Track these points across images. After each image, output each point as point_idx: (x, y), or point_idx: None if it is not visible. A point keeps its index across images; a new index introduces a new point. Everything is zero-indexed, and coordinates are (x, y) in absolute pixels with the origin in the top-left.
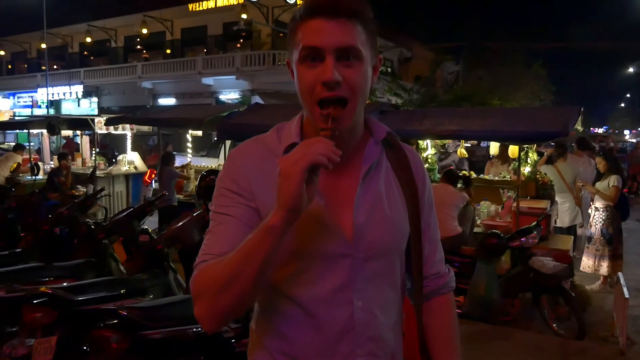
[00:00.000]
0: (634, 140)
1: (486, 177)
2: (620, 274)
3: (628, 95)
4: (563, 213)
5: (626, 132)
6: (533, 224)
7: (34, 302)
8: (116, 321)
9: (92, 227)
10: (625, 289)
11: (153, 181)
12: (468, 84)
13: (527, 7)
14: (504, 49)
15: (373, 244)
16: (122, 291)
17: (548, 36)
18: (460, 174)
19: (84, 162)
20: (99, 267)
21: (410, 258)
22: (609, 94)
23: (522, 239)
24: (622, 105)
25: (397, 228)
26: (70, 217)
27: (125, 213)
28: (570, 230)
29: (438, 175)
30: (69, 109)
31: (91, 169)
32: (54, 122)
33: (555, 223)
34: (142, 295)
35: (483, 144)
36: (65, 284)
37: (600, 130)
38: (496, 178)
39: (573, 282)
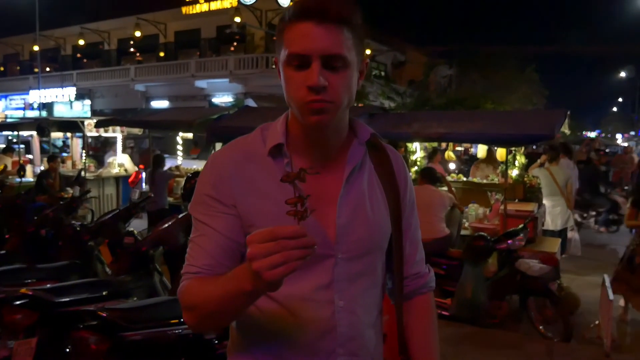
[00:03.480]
0: (625, 144)
1: (474, 179)
2: (605, 275)
3: (620, 99)
4: (555, 216)
5: (618, 136)
6: (520, 226)
7: (15, 303)
8: (96, 322)
9: (78, 229)
10: (610, 291)
11: (143, 183)
12: (461, 87)
13: (521, 12)
14: (497, 53)
15: (355, 244)
16: (104, 293)
17: (541, 40)
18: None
19: (74, 165)
20: (84, 269)
21: (391, 258)
22: (602, 97)
23: (509, 242)
24: (615, 109)
25: (379, 228)
26: (56, 219)
27: (110, 215)
28: (562, 233)
29: None
30: (61, 111)
31: (81, 171)
32: (43, 124)
33: (543, 225)
34: (126, 297)
35: (473, 148)
36: (48, 285)
37: (593, 134)
38: (484, 181)
39: (560, 284)
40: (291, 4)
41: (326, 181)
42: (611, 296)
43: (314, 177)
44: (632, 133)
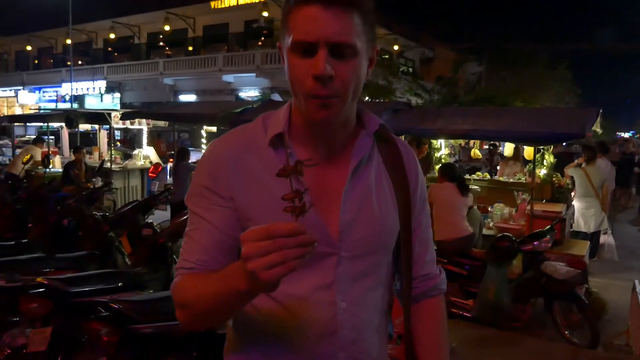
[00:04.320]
0: None
1: (500, 178)
2: (636, 281)
3: None
4: (588, 218)
5: None
6: (547, 227)
7: (31, 292)
8: (107, 314)
9: (98, 219)
10: None
11: (168, 175)
12: (491, 85)
13: (553, 7)
14: (528, 50)
15: (359, 243)
16: (119, 284)
17: (574, 37)
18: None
19: (100, 156)
20: (103, 260)
21: (399, 258)
22: (637, 97)
23: (535, 243)
24: None
25: (385, 226)
26: (77, 209)
27: (130, 207)
28: (594, 236)
29: None
30: (92, 104)
31: (107, 163)
32: (71, 116)
33: (572, 227)
34: (141, 289)
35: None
36: (66, 275)
37: (627, 135)
38: (511, 180)
39: (588, 288)
40: None
41: (330, 175)
42: None
43: (317, 171)
44: None
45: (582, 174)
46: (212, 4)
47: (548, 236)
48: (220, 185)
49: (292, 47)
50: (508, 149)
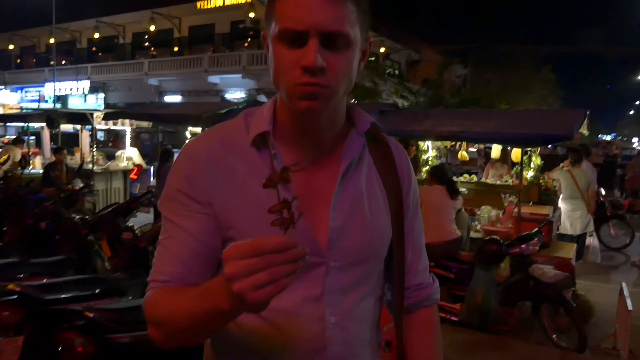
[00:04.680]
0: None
1: (487, 181)
2: (623, 284)
3: (637, 102)
4: (575, 220)
5: (634, 139)
6: (534, 230)
7: (2, 299)
8: (83, 323)
9: (77, 222)
10: (628, 301)
11: (151, 177)
12: (476, 87)
13: (537, 11)
14: (513, 53)
15: (350, 251)
16: (97, 291)
17: (558, 41)
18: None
19: (82, 157)
20: (81, 264)
21: (390, 266)
22: (618, 100)
23: (522, 246)
24: (631, 112)
25: (378, 233)
26: (55, 212)
27: (110, 209)
28: (580, 238)
29: None
30: (75, 104)
31: (89, 164)
32: (53, 116)
33: (558, 230)
34: (120, 295)
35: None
36: (42, 281)
37: (609, 137)
38: (498, 182)
39: (575, 291)
40: None
41: (318, 177)
42: (630, 306)
43: (304, 173)
44: None
45: (568, 176)
46: (198, 4)
47: (535, 239)
48: (197, 188)
49: (278, 36)
50: (495, 150)
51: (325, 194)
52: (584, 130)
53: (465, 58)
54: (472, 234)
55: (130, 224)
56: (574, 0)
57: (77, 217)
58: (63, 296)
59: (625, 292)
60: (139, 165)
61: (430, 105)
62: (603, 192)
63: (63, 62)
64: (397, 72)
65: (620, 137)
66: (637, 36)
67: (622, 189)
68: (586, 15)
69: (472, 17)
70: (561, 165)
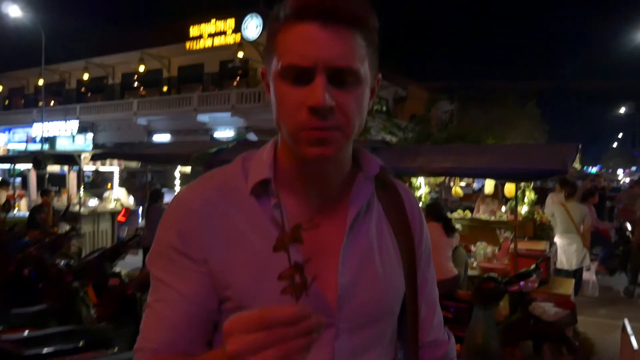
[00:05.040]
0: (627, 180)
1: (482, 217)
2: (626, 320)
3: (620, 135)
4: (570, 255)
5: (619, 171)
6: (532, 266)
7: None
8: None
9: (61, 269)
10: (633, 339)
11: (139, 219)
12: (463, 123)
13: (522, 47)
14: (498, 88)
15: (361, 310)
16: (80, 344)
17: (541, 76)
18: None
19: (69, 199)
20: (65, 314)
21: (403, 322)
22: (602, 133)
23: (521, 283)
24: (615, 145)
25: (391, 288)
26: (39, 257)
27: (96, 254)
28: (576, 273)
29: None
30: (63, 145)
31: (76, 206)
32: (39, 158)
33: (555, 265)
34: (106, 347)
35: (477, 183)
36: (26, 332)
37: (594, 169)
38: (492, 218)
39: (576, 329)
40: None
41: (324, 228)
42: (635, 345)
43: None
44: (634, 168)
45: (562, 210)
46: (188, 45)
47: (534, 275)
48: (191, 244)
49: (281, 73)
50: (488, 186)
51: (333, 246)
52: (577, 164)
53: (451, 94)
54: (469, 272)
55: (118, 268)
56: (555, 37)
57: (62, 262)
58: (45, 351)
59: (629, 330)
60: (127, 208)
61: (418, 141)
62: (629, 227)
63: (52, 102)
64: (384, 108)
65: (605, 169)
66: (617, 71)
67: (613, 221)
68: (568, 52)
69: (458, 54)
70: (549, 196)
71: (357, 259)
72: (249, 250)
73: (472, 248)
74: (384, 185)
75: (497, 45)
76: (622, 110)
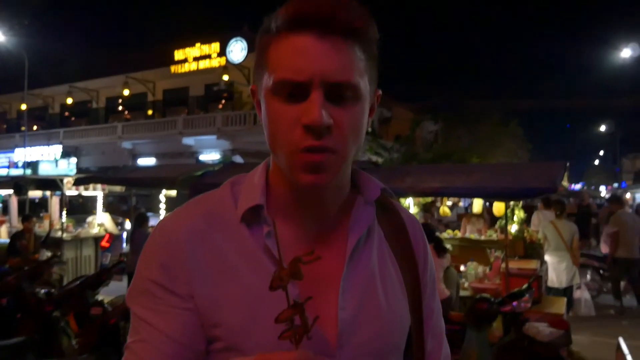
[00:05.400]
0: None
1: (472, 236)
2: (621, 339)
3: (602, 152)
4: (560, 273)
5: (602, 188)
6: (524, 286)
7: None
8: None
9: (41, 298)
10: (629, 358)
11: (124, 244)
12: (447, 142)
13: (503, 67)
14: (481, 108)
15: (365, 347)
16: None
17: (524, 95)
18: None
19: (51, 225)
20: (45, 345)
21: (408, 356)
22: (584, 151)
23: (514, 304)
24: (597, 162)
25: (396, 321)
26: (17, 287)
27: (77, 282)
28: (566, 291)
29: None
30: (46, 169)
31: (58, 232)
32: (20, 183)
33: (546, 283)
34: None
35: (463, 202)
36: None
37: (577, 187)
38: (482, 237)
39: (570, 349)
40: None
41: (322, 258)
42: None
43: (305, 253)
44: (616, 185)
45: (552, 228)
46: (172, 68)
47: (527, 295)
48: (175, 278)
49: (273, 89)
50: (477, 205)
51: (331, 277)
52: (565, 182)
53: (435, 114)
54: (461, 292)
55: (100, 295)
56: (536, 57)
57: (43, 291)
58: None
59: (624, 349)
60: (110, 234)
61: (404, 161)
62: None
63: (35, 127)
64: (370, 129)
65: (588, 187)
66: (598, 89)
67: (598, 239)
68: (550, 71)
69: (441, 75)
70: (535, 214)
71: (358, 290)
72: (240, 284)
73: (463, 268)
74: (385, 209)
75: (480, 66)
76: (603, 128)
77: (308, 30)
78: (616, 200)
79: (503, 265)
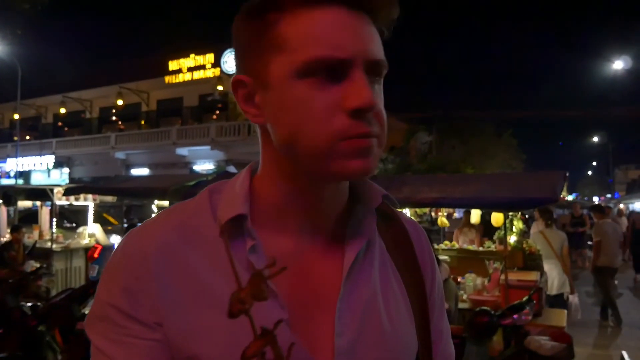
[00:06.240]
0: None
1: (470, 247)
2: (624, 353)
3: (594, 163)
4: (551, 280)
5: (595, 198)
6: (525, 298)
7: None
8: None
9: (26, 312)
10: None
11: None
12: (441, 153)
13: (497, 79)
14: (475, 119)
15: None
16: None
17: (517, 106)
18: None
19: (41, 235)
20: None
21: None
22: (578, 161)
23: (515, 316)
24: (590, 172)
25: (402, 346)
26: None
27: (63, 295)
28: (557, 298)
29: None
30: (38, 179)
31: (47, 242)
32: (10, 192)
33: (546, 294)
34: None
35: (457, 212)
36: None
37: (571, 197)
38: (480, 248)
39: None
40: None
41: (316, 274)
42: None
43: (296, 270)
44: (609, 195)
45: (541, 237)
46: (167, 78)
47: (527, 308)
48: (140, 304)
49: (302, 71)
50: (475, 216)
51: (327, 297)
52: (565, 192)
53: (430, 125)
54: (459, 304)
55: (87, 309)
56: (530, 69)
57: (28, 304)
58: None
59: None
60: (96, 246)
61: (398, 172)
62: None
63: (27, 137)
64: None
65: (581, 197)
66: (591, 101)
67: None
68: (543, 82)
69: (435, 85)
70: (534, 225)
71: (357, 313)
72: (219, 309)
73: (461, 280)
74: (386, 218)
75: (474, 77)
76: (595, 139)
77: (338, 3)
78: (599, 209)
79: (502, 276)
